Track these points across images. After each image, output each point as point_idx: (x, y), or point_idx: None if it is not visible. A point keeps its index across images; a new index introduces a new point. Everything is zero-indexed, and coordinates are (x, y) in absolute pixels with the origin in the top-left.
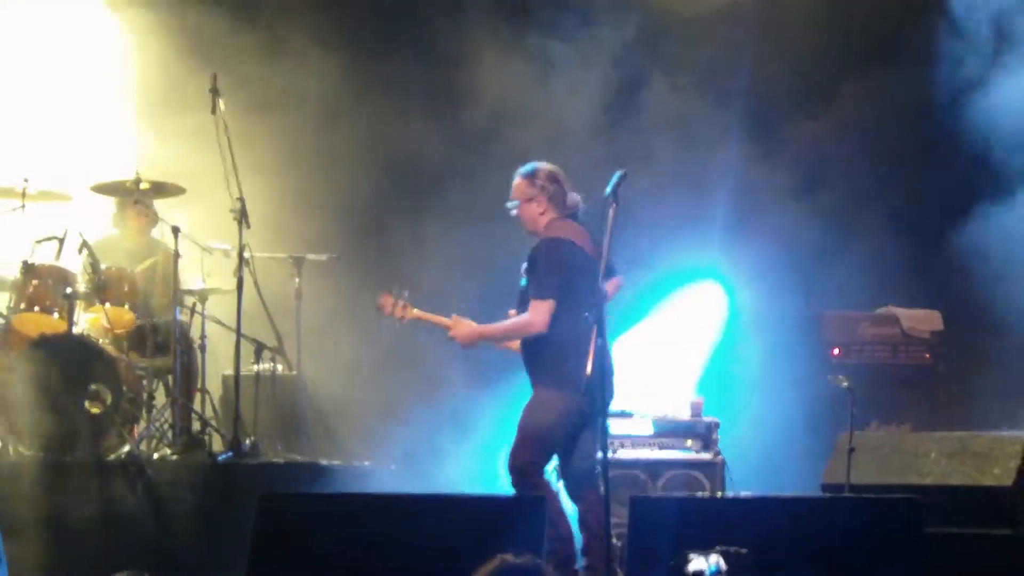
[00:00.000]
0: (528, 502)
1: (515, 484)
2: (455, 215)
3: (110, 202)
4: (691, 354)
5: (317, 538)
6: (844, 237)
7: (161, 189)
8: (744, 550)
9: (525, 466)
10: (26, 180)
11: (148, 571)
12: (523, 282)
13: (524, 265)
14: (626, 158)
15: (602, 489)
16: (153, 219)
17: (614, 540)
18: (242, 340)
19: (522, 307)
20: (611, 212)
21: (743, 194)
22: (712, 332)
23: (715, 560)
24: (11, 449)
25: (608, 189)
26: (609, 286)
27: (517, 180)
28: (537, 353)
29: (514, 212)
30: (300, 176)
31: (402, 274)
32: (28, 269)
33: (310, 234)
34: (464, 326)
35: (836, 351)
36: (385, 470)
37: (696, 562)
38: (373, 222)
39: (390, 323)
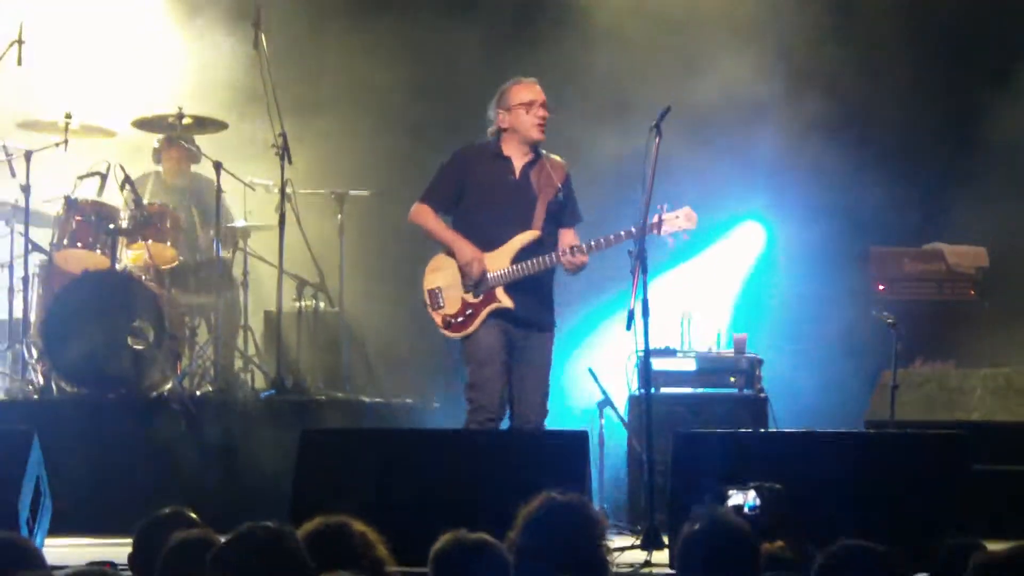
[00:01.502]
0: (571, 437)
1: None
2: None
3: (152, 138)
4: (734, 292)
5: (359, 474)
6: (890, 173)
7: (203, 124)
8: (778, 485)
9: None
10: (68, 116)
11: (191, 507)
12: (560, 197)
13: (558, 186)
14: (666, 95)
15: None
16: (195, 156)
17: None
18: (284, 277)
19: (552, 224)
20: (655, 145)
21: (787, 131)
22: (755, 270)
23: (751, 496)
24: (54, 386)
25: (653, 122)
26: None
27: (537, 85)
28: (551, 291)
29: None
30: (342, 112)
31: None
32: (71, 205)
33: (352, 170)
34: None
35: (881, 287)
36: (427, 407)
37: (735, 497)
38: (415, 157)
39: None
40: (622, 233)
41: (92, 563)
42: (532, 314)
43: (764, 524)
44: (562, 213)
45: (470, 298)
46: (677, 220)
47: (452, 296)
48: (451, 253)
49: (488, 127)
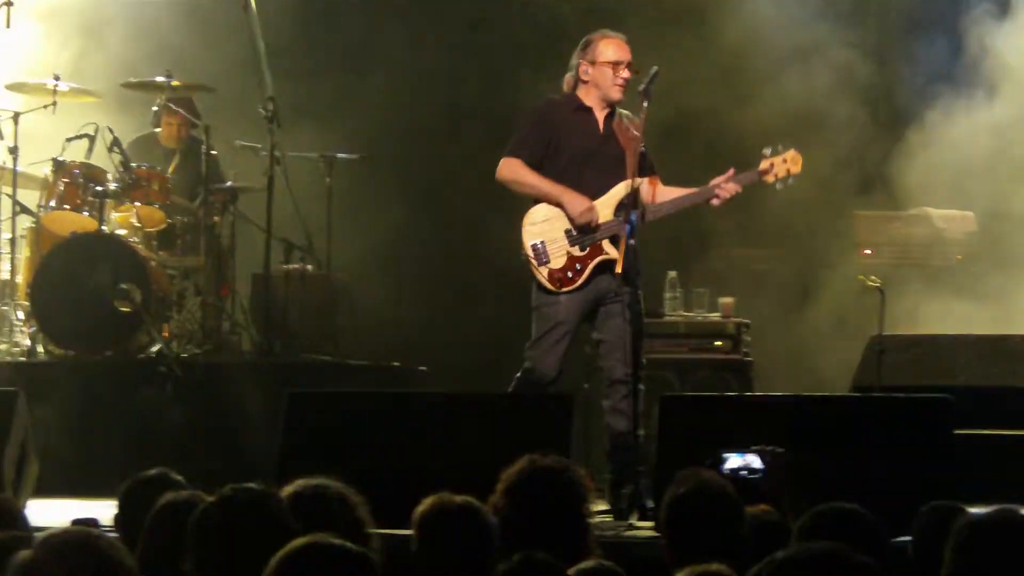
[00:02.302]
0: (556, 400)
1: (635, 392)
2: (487, 113)
3: (142, 101)
4: (721, 255)
5: (346, 436)
6: (876, 136)
7: (191, 88)
8: (781, 449)
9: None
10: (57, 78)
11: (177, 470)
12: (642, 149)
13: (639, 137)
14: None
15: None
16: (189, 121)
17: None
18: (272, 240)
19: (641, 174)
20: (644, 109)
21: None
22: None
23: (752, 459)
24: (41, 348)
25: (642, 86)
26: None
27: (627, 46)
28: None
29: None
30: (332, 75)
31: (434, 175)
32: (58, 167)
33: (341, 134)
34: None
35: (867, 252)
36: (415, 371)
37: (732, 461)
38: (404, 122)
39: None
40: (757, 175)
41: (76, 520)
42: (632, 265)
43: (766, 488)
44: (644, 164)
45: (576, 251)
46: (785, 164)
47: (557, 250)
48: (553, 205)
49: (567, 74)
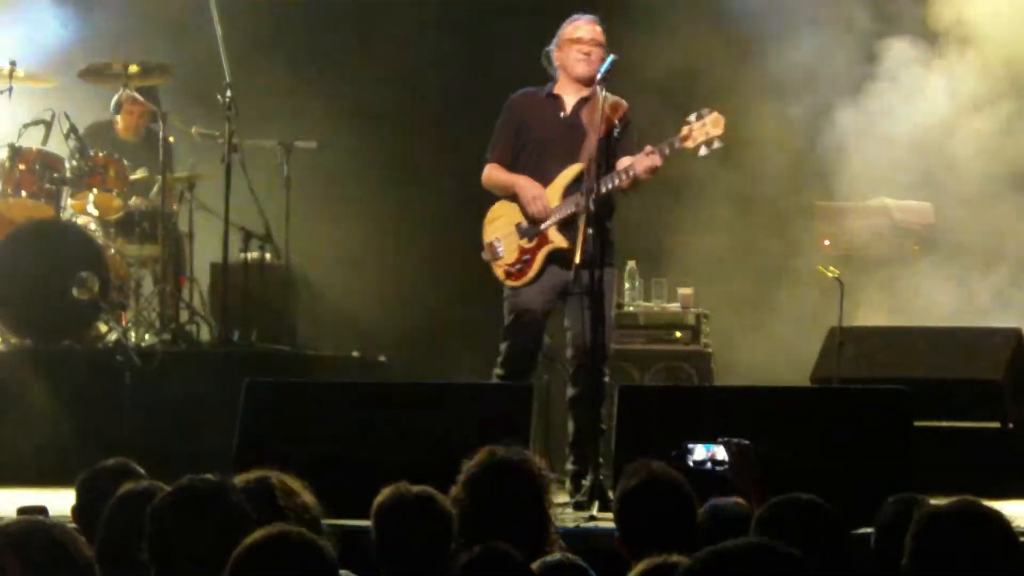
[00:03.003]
0: (515, 390)
1: (599, 379)
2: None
3: (99, 88)
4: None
5: (304, 426)
6: (833, 128)
7: (149, 72)
8: (747, 441)
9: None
10: (12, 63)
11: (135, 459)
12: (615, 134)
13: (613, 123)
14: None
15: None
16: (149, 112)
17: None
18: (230, 228)
19: (605, 160)
20: (602, 99)
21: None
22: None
23: (718, 451)
24: None
25: (599, 74)
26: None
27: (599, 27)
28: (612, 223)
29: (596, 55)
30: (290, 61)
31: (393, 162)
32: (15, 153)
33: (298, 121)
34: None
35: (826, 242)
36: (374, 361)
37: (698, 452)
38: (363, 109)
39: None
40: (675, 142)
41: (23, 508)
42: (588, 251)
43: (733, 480)
44: (615, 150)
45: (525, 243)
46: (704, 128)
47: (509, 244)
48: (511, 199)
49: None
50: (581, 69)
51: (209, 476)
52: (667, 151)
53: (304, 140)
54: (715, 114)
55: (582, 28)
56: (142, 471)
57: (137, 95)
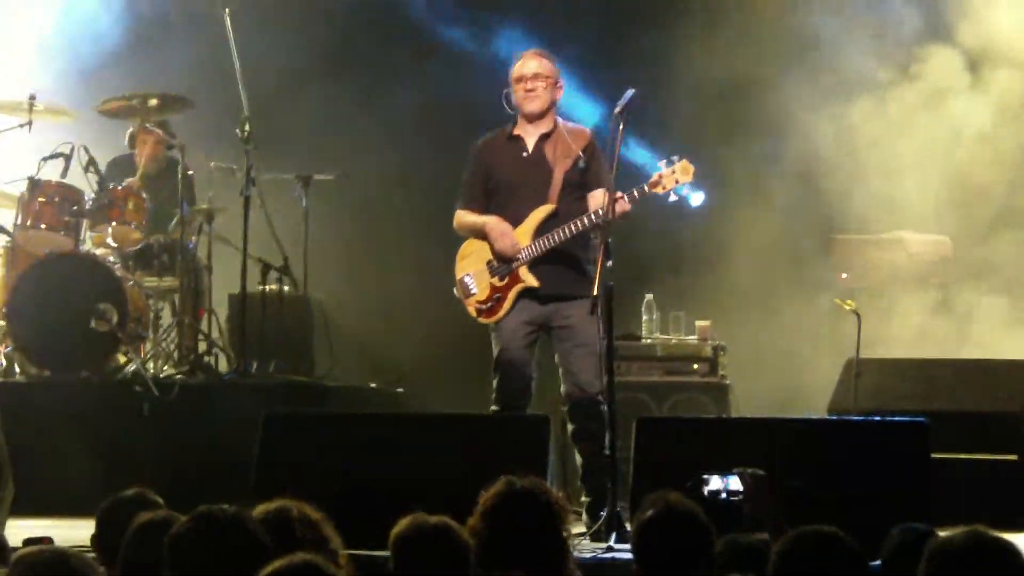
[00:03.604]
0: (531, 421)
1: (595, 410)
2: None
3: (118, 121)
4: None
5: (321, 457)
6: (853, 161)
7: (168, 105)
8: (762, 472)
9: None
10: (33, 96)
11: (153, 490)
12: (581, 165)
13: (578, 154)
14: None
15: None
16: (164, 141)
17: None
18: (248, 260)
19: (575, 192)
20: (620, 131)
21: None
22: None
23: (733, 482)
24: (18, 368)
25: (617, 108)
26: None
27: (543, 59)
28: (590, 254)
29: (541, 89)
30: (308, 94)
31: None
32: (34, 186)
33: (317, 154)
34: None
35: (843, 275)
36: (392, 392)
37: (713, 483)
38: (382, 141)
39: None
40: (645, 188)
41: (28, 540)
42: (563, 287)
43: (748, 510)
44: (585, 180)
45: (496, 282)
46: (673, 175)
47: (481, 281)
48: (481, 237)
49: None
50: (528, 107)
51: (225, 507)
52: (636, 196)
53: (322, 173)
54: (684, 162)
55: (524, 64)
56: (160, 501)
57: (147, 126)
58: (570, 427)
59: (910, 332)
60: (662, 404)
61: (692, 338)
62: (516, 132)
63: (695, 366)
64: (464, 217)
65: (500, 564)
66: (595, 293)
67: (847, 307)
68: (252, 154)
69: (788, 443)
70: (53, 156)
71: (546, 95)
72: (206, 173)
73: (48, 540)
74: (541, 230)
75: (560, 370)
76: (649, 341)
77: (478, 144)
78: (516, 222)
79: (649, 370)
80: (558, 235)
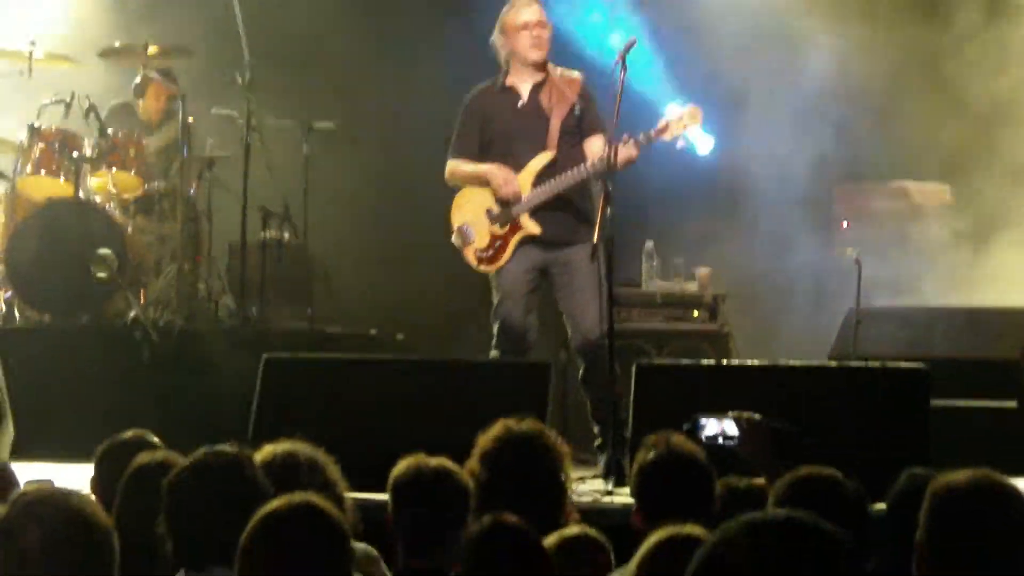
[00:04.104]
0: (532, 367)
1: (599, 357)
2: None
3: (118, 68)
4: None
5: (320, 402)
6: (859, 109)
7: (169, 53)
8: (757, 416)
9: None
10: (33, 43)
11: (153, 433)
12: (576, 112)
13: (573, 100)
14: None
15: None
16: (171, 93)
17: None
18: (248, 208)
19: (572, 139)
20: (621, 79)
21: (758, 67)
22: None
23: (729, 426)
24: (18, 313)
25: (617, 54)
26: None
27: (538, 5)
28: (588, 203)
29: (546, 37)
30: (310, 40)
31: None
32: (34, 132)
33: (317, 101)
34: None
35: (846, 224)
36: (391, 339)
37: (710, 427)
38: (384, 90)
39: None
40: (652, 133)
41: (29, 482)
42: (564, 233)
43: (744, 455)
44: (581, 126)
45: (496, 229)
46: (681, 121)
47: (480, 229)
48: (481, 185)
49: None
50: (535, 55)
51: (226, 448)
52: (644, 141)
53: (323, 120)
54: (692, 106)
55: (527, 11)
56: (159, 443)
57: (163, 77)
58: (580, 372)
59: (913, 281)
60: (662, 351)
61: (692, 285)
62: (508, 83)
63: (695, 313)
64: (459, 167)
65: (498, 507)
66: (595, 240)
67: (849, 256)
68: (252, 101)
69: (787, 389)
70: (53, 103)
71: (548, 44)
72: (207, 120)
73: (48, 483)
74: (541, 178)
75: (564, 316)
76: (649, 288)
77: (471, 95)
78: (515, 171)
79: (649, 317)
80: (560, 182)
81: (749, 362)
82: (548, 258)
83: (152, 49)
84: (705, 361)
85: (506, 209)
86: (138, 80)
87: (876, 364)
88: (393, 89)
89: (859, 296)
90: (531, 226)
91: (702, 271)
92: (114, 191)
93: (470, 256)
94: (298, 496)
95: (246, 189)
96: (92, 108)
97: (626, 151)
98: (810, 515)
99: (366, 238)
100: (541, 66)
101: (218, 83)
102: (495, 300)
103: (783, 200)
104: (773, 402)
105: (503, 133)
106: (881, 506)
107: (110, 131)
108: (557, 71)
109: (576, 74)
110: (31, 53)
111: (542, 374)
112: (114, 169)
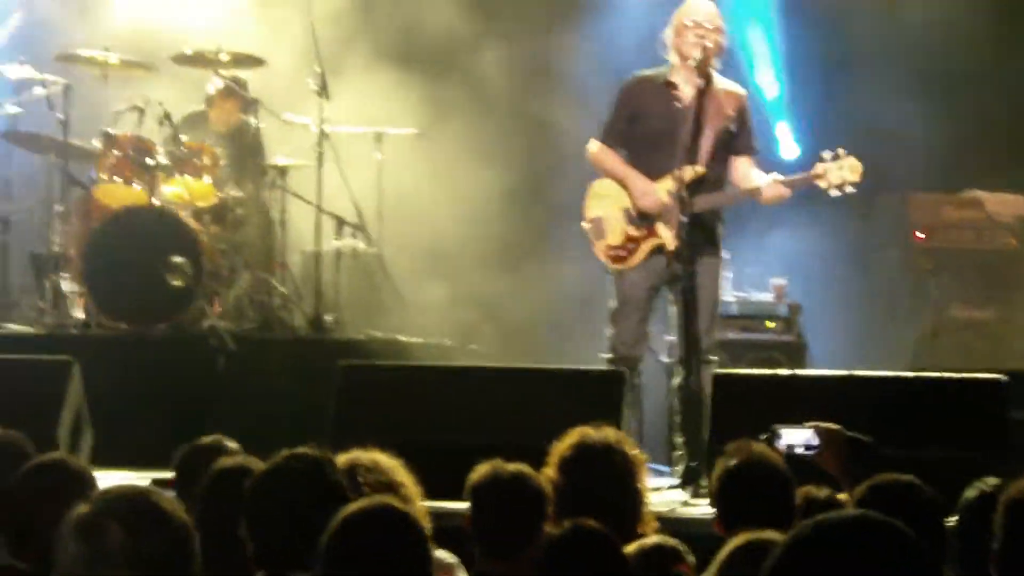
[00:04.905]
0: (608, 376)
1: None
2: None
3: (192, 74)
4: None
5: (398, 410)
6: (931, 118)
7: (241, 60)
8: (836, 426)
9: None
10: (107, 49)
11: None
12: (732, 128)
13: (730, 115)
14: None
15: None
16: (242, 105)
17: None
18: (323, 216)
19: (722, 155)
20: (701, 86)
21: (829, 71)
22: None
23: (808, 435)
24: (94, 321)
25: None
26: None
27: (713, 7)
28: (721, 217)
29: (715, 40)
30: (384, 49)
31: (487, 147)
32: (109, 139)
33: (392, 108)
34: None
35: (920, 235)
36: (465, 348)
37: (788, 436)
38: (458, 97)
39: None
40: (809, 177)
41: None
42: (693, 248)
43: (820, 465)
44: (733, 143)
45: (632, 230)
46: (840, 172)
47: (614, 226)
48: (620, 183)
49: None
50: (696, 52)
51: (307, 451)
52: (799, 186)
53: (397, 127)
54: (853, 159)
55: (702, 11)
56: (238, 447)
57: (233, 86)
58: (675, 381)
59: (988, 291)
60: (738, 362)
61: (768, 296)
62: (673, 78)
63: (770, 324)
64: (605, 158)
65: (574, 514)
66: (721, 255)
67: (923, 267)
68: (325, 107)
69: (865, 400)
70: (127, 110)
71: (713, 49)
72: (279, 127)
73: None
74: (688, 190)
75: (676, 324)
76: (724, 299)
77: (630, 81)
78: (658, 173)
79: (725, 328)
80: (710, 202)
81: (826, 372)
82: (675, 269)
83: (224, 56)
84: (782, 371)
85: (646, 216)
86: (210, 88)
87: (953, 375)
88: (472, 96)
89: (934, 307)
90: (668, 239)
91: (777, 282)
92: (188, 199)
93: (599, 250)
94: (378, 499)
95: (320, 197)
96: (166, 115)
97: (777, 191)
98: (884, 516)
99: (440, 246)
100: (704, 71)
101: (291, 90)
102: (612, 305)
103: (858, 210)
104: (850, 413)
105: (655, 130)
106: (952, 520)
107: (184, 138)
108: (721, 82)
109: (739, 89)
110: (105, 59)
111: (617, 383)
112: (188, 177)
